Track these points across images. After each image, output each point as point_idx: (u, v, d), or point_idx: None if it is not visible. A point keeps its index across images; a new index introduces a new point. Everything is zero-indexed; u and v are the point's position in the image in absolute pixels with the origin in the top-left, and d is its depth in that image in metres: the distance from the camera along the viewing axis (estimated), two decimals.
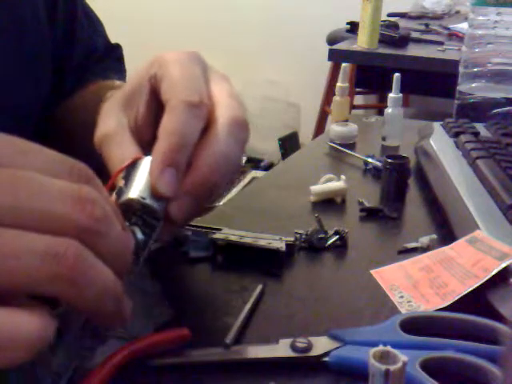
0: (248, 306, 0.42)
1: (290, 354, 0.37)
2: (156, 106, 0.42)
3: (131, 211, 0.36)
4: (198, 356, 0.37)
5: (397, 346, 0.31)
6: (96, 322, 0.32)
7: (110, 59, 0.68)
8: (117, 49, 0.71)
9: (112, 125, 0.41)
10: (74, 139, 0.56)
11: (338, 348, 0.38)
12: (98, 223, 0.28)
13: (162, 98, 0.40)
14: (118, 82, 0.56)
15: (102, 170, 0.37)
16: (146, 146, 0.40)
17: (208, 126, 0.39)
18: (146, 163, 0.38)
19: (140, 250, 0.36)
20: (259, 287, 0.45)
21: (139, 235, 0.36)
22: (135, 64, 0.47)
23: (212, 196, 0.39)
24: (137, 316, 0.34)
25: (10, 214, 0.26)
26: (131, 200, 0.36)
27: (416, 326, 0.39)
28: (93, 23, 0.67)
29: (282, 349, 0.38)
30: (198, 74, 0.41)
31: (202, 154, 0.38)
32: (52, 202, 0.27)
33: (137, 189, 0.37)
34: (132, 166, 0.38)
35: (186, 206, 0.37)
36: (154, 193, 0.36)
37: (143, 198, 0.36)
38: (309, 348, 0.38)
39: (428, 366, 0.34)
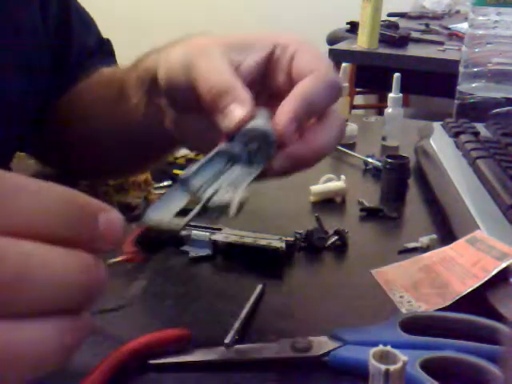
0: (248, 306, 0.42)
1: (290, 353, 0.37)
2: (263, 72, 0.42)
3: (253, 138, 0.37)
4: (198, 356, 0.37)
5: (397, 346, 0.31)
6: None
7: (103, 54, 0.68)
8: (107, 44, 0.71)
9: (207, 41, 0.41)
10: (91, 119, 0.56)
11: (338, 348, 0.38)
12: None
13: (300, 66, 0.41)
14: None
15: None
16: None
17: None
18: (264, 112, 0.38)
19: (255, 176, 0.37)
20: (259, 287, 0.45)
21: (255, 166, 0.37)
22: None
23: (295, 171, 0.40)
24: None
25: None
26: (258, 128, 0.37)
27: (416, 325, 0.39)
28: (86, 22, 0.67)
29: (282, 349, 0.38)
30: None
31: (320, 134, 0.39)
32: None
33: (263, 121, 0.37)
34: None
35: (284, 166, 0.38)
36: (273, 127, 0.37)
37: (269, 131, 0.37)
38: (309, 348, 0.38)
39: (428, 366, 0.34)
